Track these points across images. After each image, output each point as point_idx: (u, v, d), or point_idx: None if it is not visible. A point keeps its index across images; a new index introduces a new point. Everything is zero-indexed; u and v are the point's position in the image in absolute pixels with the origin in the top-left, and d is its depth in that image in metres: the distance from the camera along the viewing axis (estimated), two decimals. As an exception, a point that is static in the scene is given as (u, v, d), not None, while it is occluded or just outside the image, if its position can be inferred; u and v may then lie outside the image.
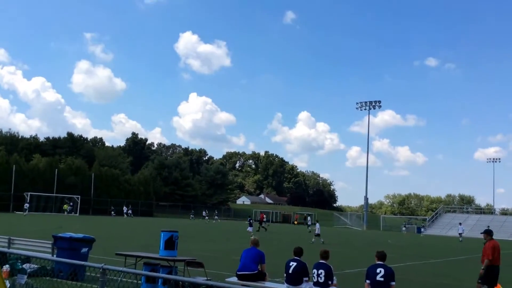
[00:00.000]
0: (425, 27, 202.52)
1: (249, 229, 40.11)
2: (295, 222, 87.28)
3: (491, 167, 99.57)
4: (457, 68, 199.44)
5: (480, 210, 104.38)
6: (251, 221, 42.09)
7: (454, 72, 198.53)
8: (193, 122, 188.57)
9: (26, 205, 59.43)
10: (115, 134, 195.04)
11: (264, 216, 46.95)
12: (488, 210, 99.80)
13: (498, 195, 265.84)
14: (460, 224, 55.83)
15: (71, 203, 66.55)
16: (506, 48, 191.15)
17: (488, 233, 12.63)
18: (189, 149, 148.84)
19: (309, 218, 36.45)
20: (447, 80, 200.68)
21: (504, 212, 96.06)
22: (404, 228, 67.77)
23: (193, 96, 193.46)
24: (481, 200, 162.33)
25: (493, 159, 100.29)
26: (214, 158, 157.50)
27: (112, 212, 69.06)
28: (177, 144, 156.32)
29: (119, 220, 55.60)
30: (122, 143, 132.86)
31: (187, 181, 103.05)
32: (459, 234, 52.04)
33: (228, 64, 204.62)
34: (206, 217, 71.65)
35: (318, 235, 33.52)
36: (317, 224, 34.93)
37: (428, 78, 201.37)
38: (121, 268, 7.08)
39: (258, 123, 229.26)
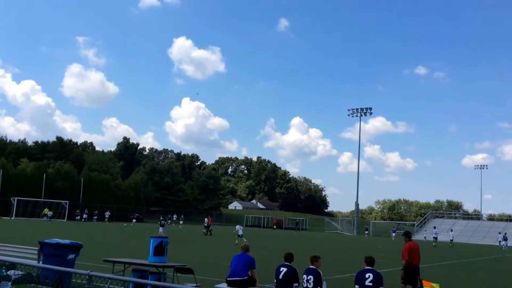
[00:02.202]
0: (415, 36, 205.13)
1: (160, 229, 40.35)
2: (274, 227, 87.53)
3: (479, 173, 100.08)
4: (446, 77, 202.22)
5: (467, 216, 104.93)
6: (162, 222, 42.62)
7: (443, 81, 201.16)
8: (186, 127, 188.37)
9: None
10: (106, 139, 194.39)
11: (212, 219, 46.47)
12: (476, 216, 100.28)
13: (485, 201, 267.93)
14: (434, 227, 56.24)
15: (49, 212, 64.45)
16: (493, 58, 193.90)
17: (406, 235, 13.40)
18: (182, 154, 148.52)
19: (238, 227, 36.23)
20: (436, 88, 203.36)
21: (491, 218, 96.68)
22: (393, 234, 68.07)
23: (186, 101, 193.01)
24: (469, 206, 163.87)
25: (481, 165, 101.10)
26: (207, 163, 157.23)
27: (106, 218, 67.86)
28: (169, 149, 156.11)
29: (108, 226, 55.24)
30: (113, 147, 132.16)
31: (178, 186, 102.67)
32: (434, 238, 52.26)
33: (222, 70, 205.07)
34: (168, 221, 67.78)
35: (240, 236, 33.78)
36: (238, 226, 35.14)
37: (417, 86, 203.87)
38: (108, 275, 7.00)
39: (251, 129, 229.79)
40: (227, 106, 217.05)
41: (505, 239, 55.19)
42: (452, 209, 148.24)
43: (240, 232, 34.63)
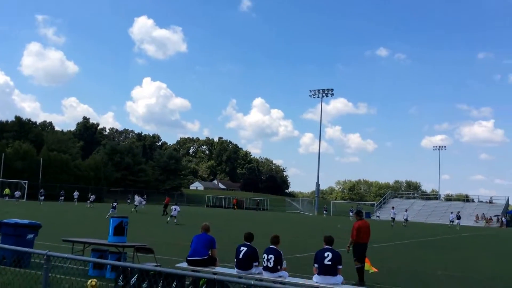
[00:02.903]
0: (377, 17, 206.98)
1: (111, 211, 37.26)
2: (235, 207, 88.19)
3: (437, 154, 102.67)
4: (406, 59, 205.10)
5: (426, 196, 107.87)
6: (115, 204, 39.95)
7: (404, 62, 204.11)
8: (147, 107, 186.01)
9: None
10: (65, 118, 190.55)
11: (169, 200, 45.64)
12: (434, 196, 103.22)
13: (443, 182, 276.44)
14: (392, 208, 57.43)
15: (17, 192, 63.02)
16: (452, 40, 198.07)
17: (357, 214, 13.86)
18: (142, 134, 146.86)
19: (174, 207, 35.94)
20: (397, 69, 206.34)
21: (449, 198, 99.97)
22: (351, 214, 69.47)
23: (147, 81, 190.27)
24: (427, 186, 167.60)
25: (439, 146, 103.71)
26: (168, 144, 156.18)
27: (75, 198, 65.93)
28: (130, 129, 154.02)
29: (69, 206, 54.36)
30: (72, 127, 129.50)
31: (139, 166, 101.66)
32: (392, 218, 53.30)
33: (184, 50, 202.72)
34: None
35: (173, 216, 33.87)
36: (174, 207, 35.05)
37: (379, 68, 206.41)
38: (66, 255, 6.94)
39: (213, 109, 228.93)
40: (189, 87, 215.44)
41: (458, 218, 57.01)
42: (411, 190, 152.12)
43: (174, 213, 34.15)
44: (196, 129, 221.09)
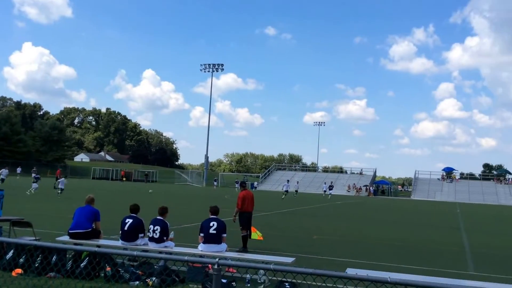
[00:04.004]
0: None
1: (34, 186, 35.19)
2: (123, 179, 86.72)
3: (317, 129, 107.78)
4: (292, 39, 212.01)
5: (306, 168, 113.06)
6: (36, 176, 37.98)
7: (290, 42, 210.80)
8: (28, 74, 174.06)
9: None
10: None
11: (60, 171, 43.46)
12: (313, 168, 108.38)
13: (321, 155, 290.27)
14: (287, 181, 59.18)
15: None
16: (334, 25, 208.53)
17: (241, 184, 14.84)
18: (22, 102, 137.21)
19: (4, 170, 33.75)
20: (284, 48, 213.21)
21: (326, 170, 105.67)
22: (237, 185, 70.89)
23: (27, 46, 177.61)
24: (308, 159, 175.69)
25: (319, 122, 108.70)
26: (51, 114, 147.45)
27: None
28: (7, 96, 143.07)
29: None
30: None
31: (18, 136, 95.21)
32: (285, 191, 54.64)
33: (69, 15, 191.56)
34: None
35: (62, 189, 33.05)
36: (63, 180, 34.43)
37: (267, 46, 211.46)
38: None
39: (100, 79, 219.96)
40: (74, 54, 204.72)
41: (330, 188, 60.28)
42: (293, 162, 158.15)
43: (61, 185, 32.79)
44: (82, 99, 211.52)
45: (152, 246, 10.10)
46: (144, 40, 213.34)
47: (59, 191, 32.87)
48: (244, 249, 12.88)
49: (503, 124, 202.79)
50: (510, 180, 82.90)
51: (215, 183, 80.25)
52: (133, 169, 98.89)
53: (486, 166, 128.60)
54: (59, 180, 34.39)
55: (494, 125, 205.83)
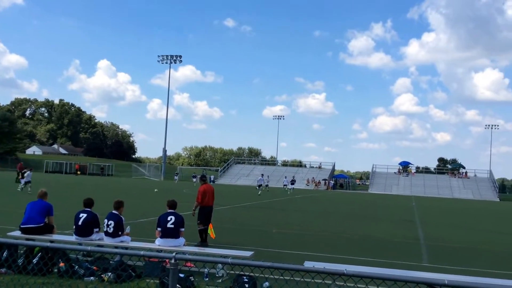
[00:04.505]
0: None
1: (22, 181, 33.84)
2: (78, 173, 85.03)
3: (276, 123, 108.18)
4: (252, 31, 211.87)
5: (265, 162, 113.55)
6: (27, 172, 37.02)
7: (250, 35, 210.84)
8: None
9: None
10: None
11: (21, 165, 42.12)
12: (272, 162, 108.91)
13: (280, 149, 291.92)
14: (262, 175, 58.76)
15: None
16: (294, 18, 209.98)
17: (201, 178, 14.53)
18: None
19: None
20: (243, 41, 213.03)
21: (285, 164, 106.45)
22: (194, 179, 70.37)
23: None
24: (267, 153, 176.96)
25: (279, 116, 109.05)
26: (1, 104, 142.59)
27: None
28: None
29: None
30: None
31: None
32: (258, 185, 54.11)
33: (20, 2, 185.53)
34: None
35: (27, 182, 32.19)
36: (29, 172, 33.72)
37: (226, 38, 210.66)
38: None
39: (54, 69, 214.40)
40: (26, 43, 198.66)
41: (292, 183, 60.31)
42: (253, 156, 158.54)
43: (27, 179, 31.68)
44: (34, 90, 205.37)
45: (107, 241, 9.92)
46: (99, 29, 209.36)
47: (23, 185, 31.72)
48: (203, 244, 12.78)
49: (457, 119, 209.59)
50: (464, 174, 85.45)
51: (176, 177, 79.30)
52: (88, 163, 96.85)
53: (441, 160, 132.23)
54: (25, 173, 33.26)
55: (449, 120, 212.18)
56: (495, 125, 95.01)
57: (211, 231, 12.64)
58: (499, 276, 10.05)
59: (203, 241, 13.00)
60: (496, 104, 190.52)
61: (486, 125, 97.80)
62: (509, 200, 73.47)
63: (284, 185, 62.01)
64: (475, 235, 20.13)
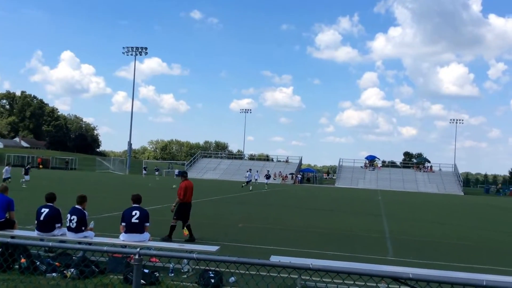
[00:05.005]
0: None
1: (26, 177, 34.01)
2: (40, 166, 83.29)
3: (243, 117, 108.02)
4: (219, 23, 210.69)
5: (232, 156, 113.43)
6: (28, 167, 37.01)
7: (217, 27, 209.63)
8: None
9: None
10: None
11: None
12: (239, 156, 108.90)
13: (247, 142, 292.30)
14: (250, 170, 58.28)
15: None
16: (261, 12, 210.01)
17: (181, 174, 14.34)
18: None
19: None
20: (210, 33, 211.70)
21: (252, 157, 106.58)
22: (156, 173, 69.65)
23: None
24: (234, 147, 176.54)
25: (245, 109, 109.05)
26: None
27: None
28: None
29: None
30: None
31: None
32: (255, 179, 53.79)
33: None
34: None
35: (8, 178, 31.77)
36: (8, 168, 33.25)
37: (193, 30, 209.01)
38: None
39: (15, 60, 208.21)
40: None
41: (267, 177, 59.27)
42: (219, 150, 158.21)
43: (6, 175, 31.01)
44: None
45: (70, 236, 9.73)
46: (62, 19, 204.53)
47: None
48: (169, 239, 12.65)
49: (423, 114, 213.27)
50: (429, 168, 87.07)
51: (144, 171, 78.03)
52: (51, 156, 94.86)
53: (407, 154, 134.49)
54: (4, 169, 32.48)
55: (414, 115, 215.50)
56: (459, 120, 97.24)
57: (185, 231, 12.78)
58: (463, 270, 10.28)
59: (169, 236, 12.87)
60: (460, 99, 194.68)
61: (451, 120, 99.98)
62: (473, 194, 75.47)
63: (255, 179, 59.92)
64: (439, 228, 20.56)
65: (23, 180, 33.25)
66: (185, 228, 13.20)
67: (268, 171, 70.53)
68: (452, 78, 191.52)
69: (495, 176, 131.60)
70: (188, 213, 13.40)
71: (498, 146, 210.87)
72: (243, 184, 49.62)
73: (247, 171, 53.34)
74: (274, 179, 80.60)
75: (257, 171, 65.29)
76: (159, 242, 10.76)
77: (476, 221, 25.69)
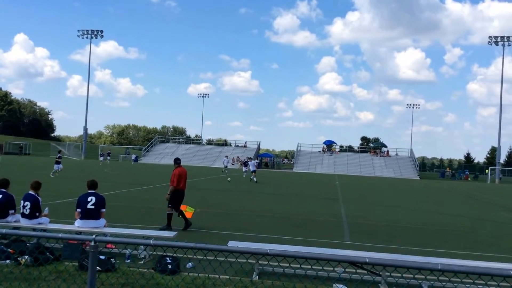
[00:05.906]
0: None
1: (56, 167, 32.85)
2: None
3: (201, 101, 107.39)
4: (177, 7, 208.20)
5: (190, 140, 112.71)
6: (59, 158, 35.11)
7: (174, 10, 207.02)
8: None
9: None
10: None
11: None
12: (197, 141, 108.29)
13: (205, 127, 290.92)
14: (226, 157, 57.49)
15: None
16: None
17: (174, 161, 13.94)
18: None
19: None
20: (167, 16, 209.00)
21: (210, 142, 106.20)
22: (101, 158, 67.88)
23: None
24: (192, 131, 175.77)
25: (203, 94, 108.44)
26: None
27: None
28: None
29: None
30: None
31: None
32: (225, 166, 54.07)
33: None
34: None
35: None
36: None
37: (150, 13, 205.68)
38: None
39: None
40: None
41: (245, 164, 57.58)
42: (177, 134, 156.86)
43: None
44: None
45: (24, 222, 9.51)
46: (14, 1, 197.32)
47: None
48: (168, 228, 12.41)
49: (380, 99, 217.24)
50: (386, 152, 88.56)
51: (108, 157, 75.09)
52: (4, 141, 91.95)
53: (364, 139, 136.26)
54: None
55: (372, 100, 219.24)
56: (416, 105, 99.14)
57: (190, 210, 12.53)
58: (418, 253, 10.58)
59: (168, 225, 12.65)
60: (417, 84, 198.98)
61: (407, 105, 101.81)
62: (429, 178, 77.42)
63: (224, 166, 58.50)
64: (395, 212, 20.99)
65: (55, 170, 32.14)
66: (180, 215, 12.90)
67: (247, 157, 69.28)
68: (409, 63, 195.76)
69: (450, 161, 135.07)
70: (181, 200, 13.12)
71: (453, 130, 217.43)
72: (224, 170, 51.57)
73: (225, 157, 56.11)
74: (232, 164, 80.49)
75: (226, 156, 65.03)
76: (115, 228, 10.64)
77: (430, 205, 26.38)
